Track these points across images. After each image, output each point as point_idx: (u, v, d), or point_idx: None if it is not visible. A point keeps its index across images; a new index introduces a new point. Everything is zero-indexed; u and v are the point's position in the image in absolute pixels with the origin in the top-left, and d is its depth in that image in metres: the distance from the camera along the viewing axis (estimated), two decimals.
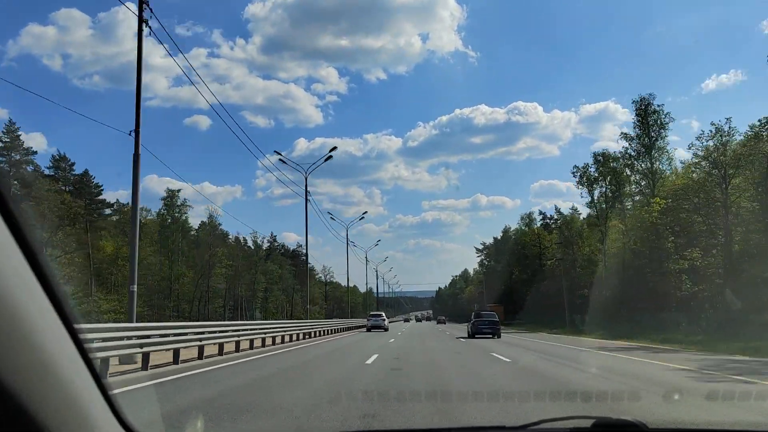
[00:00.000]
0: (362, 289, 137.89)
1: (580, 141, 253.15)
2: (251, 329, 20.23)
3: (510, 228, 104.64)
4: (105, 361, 10.35)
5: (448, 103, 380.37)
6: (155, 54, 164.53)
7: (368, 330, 44.46)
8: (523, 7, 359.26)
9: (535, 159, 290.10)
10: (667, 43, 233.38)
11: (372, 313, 51.53)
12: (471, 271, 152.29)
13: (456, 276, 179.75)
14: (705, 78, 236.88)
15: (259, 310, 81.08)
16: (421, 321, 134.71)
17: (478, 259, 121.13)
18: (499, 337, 29.71)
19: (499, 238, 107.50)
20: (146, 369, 11.70)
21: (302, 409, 7.12)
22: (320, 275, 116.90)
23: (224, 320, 54.64)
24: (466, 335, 31.93)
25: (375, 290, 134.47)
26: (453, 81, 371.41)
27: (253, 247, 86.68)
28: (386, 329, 44.74)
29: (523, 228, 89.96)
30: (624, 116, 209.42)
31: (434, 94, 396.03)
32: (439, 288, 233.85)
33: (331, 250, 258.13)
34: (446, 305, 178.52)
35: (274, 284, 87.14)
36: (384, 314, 50.13)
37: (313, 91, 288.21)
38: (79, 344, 1.22)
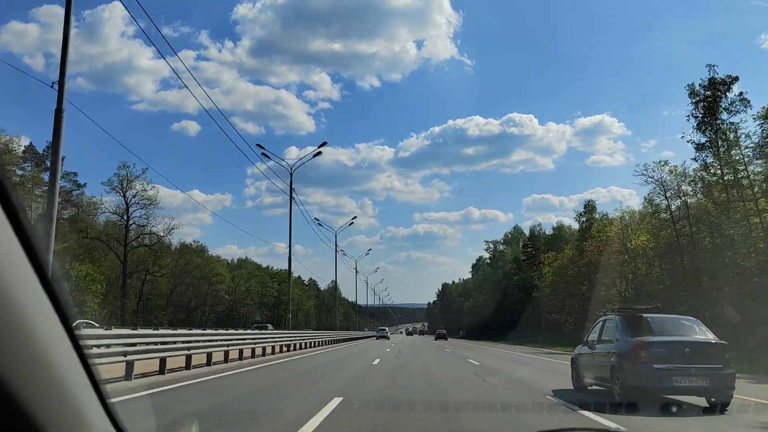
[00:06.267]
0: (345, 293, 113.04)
1: (574, 154, 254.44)
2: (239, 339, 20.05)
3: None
4: None
5: (442, 113, 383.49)
6: (141, 55, 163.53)
7: (377, 339, 63.61)
8: (521, 16, 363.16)
9: (529, 172, 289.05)
10: (663, 55, 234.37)
11: (380, 327, 79.69)
12: (527, 231, 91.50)
13: (493, 243, 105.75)
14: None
15: (260, 315, 77.83)
16: (412, 335, 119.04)
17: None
18: (727, 405, 8.97)
19: None
20: (130, 379, 11.41)
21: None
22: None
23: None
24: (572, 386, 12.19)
25: (365, 301, 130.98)
26: (447, 90, 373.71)
27: None
28: (388, 338, 65.39)
29: None
30: (619, 130, 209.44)
31: (428, 103, 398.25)
32: (444, 285, 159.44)
33: (320, 260, 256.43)
34: (455, 312, 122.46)
35: None
36: (387, 328, 77.79)
37: (305, 97, 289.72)
38: (77, 346, 1.21)
